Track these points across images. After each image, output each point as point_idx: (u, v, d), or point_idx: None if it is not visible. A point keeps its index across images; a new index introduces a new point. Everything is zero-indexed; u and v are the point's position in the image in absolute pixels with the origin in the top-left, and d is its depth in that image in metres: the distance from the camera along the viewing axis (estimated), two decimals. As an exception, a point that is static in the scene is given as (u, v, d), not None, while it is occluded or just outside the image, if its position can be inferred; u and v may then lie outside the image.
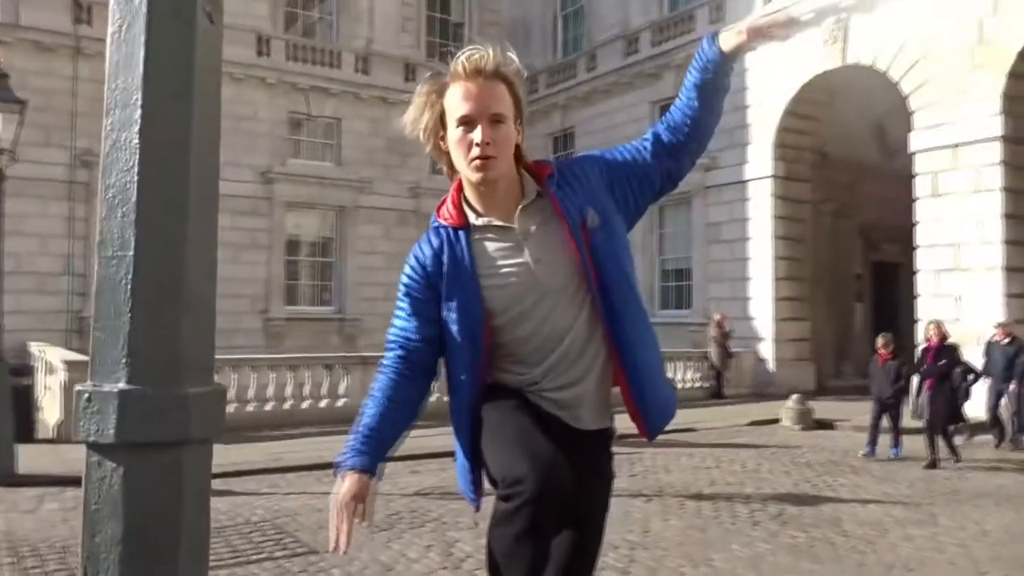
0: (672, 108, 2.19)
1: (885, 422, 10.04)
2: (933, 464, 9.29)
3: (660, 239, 20.41)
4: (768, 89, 17.37)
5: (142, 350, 0.96)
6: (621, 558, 5.46)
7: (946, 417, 9.53)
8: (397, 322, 2.10)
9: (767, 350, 17.42)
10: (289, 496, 7.42)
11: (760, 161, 17.59)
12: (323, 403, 12.52)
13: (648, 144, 2.15)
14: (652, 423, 2.10)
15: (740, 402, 15.30)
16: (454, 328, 2.02)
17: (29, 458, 8.38)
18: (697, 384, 16.16)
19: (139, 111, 0.98)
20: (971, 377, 9.90)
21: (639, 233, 20.32)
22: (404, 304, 2.08)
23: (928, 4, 14.38)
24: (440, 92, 1.99)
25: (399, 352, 2.07)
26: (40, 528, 6.08)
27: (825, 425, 12.60)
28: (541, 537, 1.86)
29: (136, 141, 0.98)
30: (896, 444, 9.92)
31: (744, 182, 17.90)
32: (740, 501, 7.36)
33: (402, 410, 2.04)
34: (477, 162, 1.92)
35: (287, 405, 12.37)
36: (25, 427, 10.06)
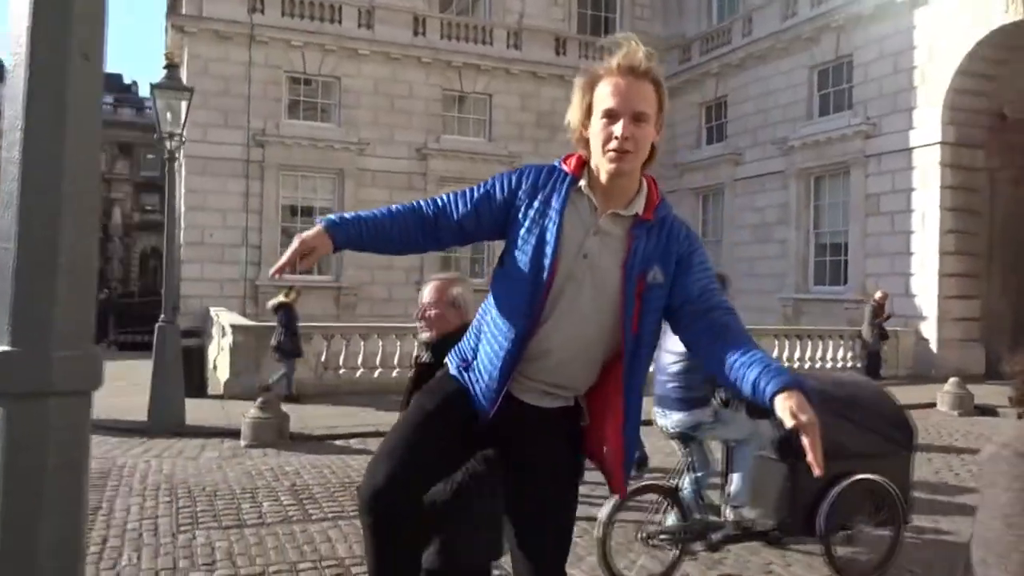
0: (735, 355, 1.94)
1: None
2: None
3: (815, 211, 19.35)
4: (939, 48, 16.02)
5: (20, 321, 1.30)
6: None
7: None
8: (456, 195, 2.17)
9: (929, 330, 16.29)
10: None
11: (928, 126, 16.29)
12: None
13: (708, 297, 2.06)
14: (627, 473, 2.18)
15: (896, 383, 14.42)
16: (523, 260, 2.04)
17: (198, 411, 9.38)
18: (849, 364, 15.41)
19: (20, 133, 1.30)
20: None
21: (792, 206, 19.45)
22: (478, 191, 2.14)
23: None
24: (592, 84, 2.04)
25: (434, 209, 2.14)
26: (198, 473, 6.86)
27: (987, 411, 11.65)
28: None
29: (18, 158, 1.30)
30: None
31: (909, 149, 16.64)
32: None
33: (396, 230, 2.11)
34: (612, 154, 1.97)
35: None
36: (200, 384, 11.26)
